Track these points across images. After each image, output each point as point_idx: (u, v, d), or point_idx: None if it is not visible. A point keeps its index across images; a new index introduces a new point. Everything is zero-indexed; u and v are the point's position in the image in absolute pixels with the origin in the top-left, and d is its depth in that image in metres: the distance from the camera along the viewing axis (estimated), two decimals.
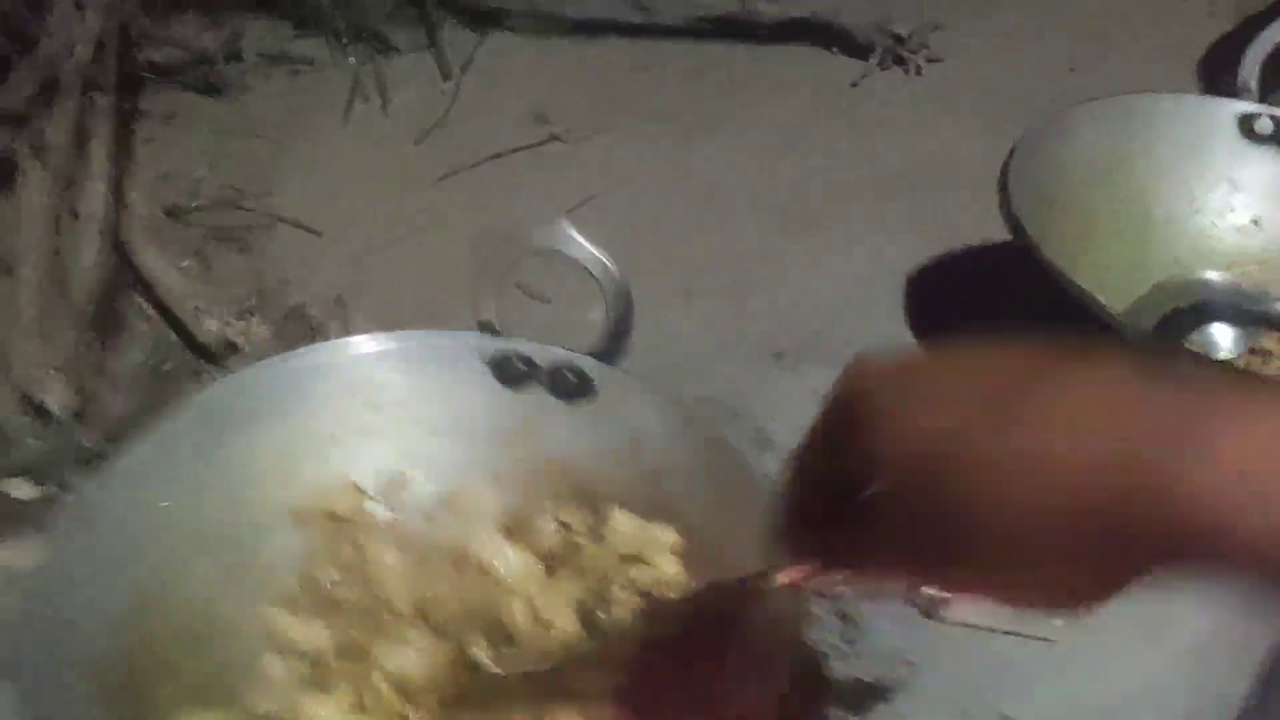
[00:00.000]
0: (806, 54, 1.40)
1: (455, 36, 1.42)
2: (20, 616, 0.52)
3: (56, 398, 0.92)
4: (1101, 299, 0.73)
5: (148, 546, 0.58)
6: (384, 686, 0.54)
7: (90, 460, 0.92)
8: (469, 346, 0.68)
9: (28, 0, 1.21)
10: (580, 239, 0.66)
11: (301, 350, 0.66)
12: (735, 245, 1.09)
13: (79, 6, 1.22)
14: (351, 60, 1.38)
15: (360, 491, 0.65)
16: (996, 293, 0.95)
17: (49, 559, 0.54)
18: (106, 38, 1.18)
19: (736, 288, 1.03)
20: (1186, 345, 0.69)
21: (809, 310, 0.97)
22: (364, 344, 0.67)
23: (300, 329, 1.03)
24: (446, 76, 1.36)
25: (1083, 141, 0.90)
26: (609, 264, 0.66)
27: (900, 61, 1.38)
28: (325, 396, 0.65)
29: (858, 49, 1.39)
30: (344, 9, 1.42)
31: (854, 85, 1.35)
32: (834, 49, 1.40)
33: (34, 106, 1.17)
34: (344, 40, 1.41)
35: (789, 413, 0.85)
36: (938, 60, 1.38)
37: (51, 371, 0.93)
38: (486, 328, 0.68)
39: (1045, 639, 0.67)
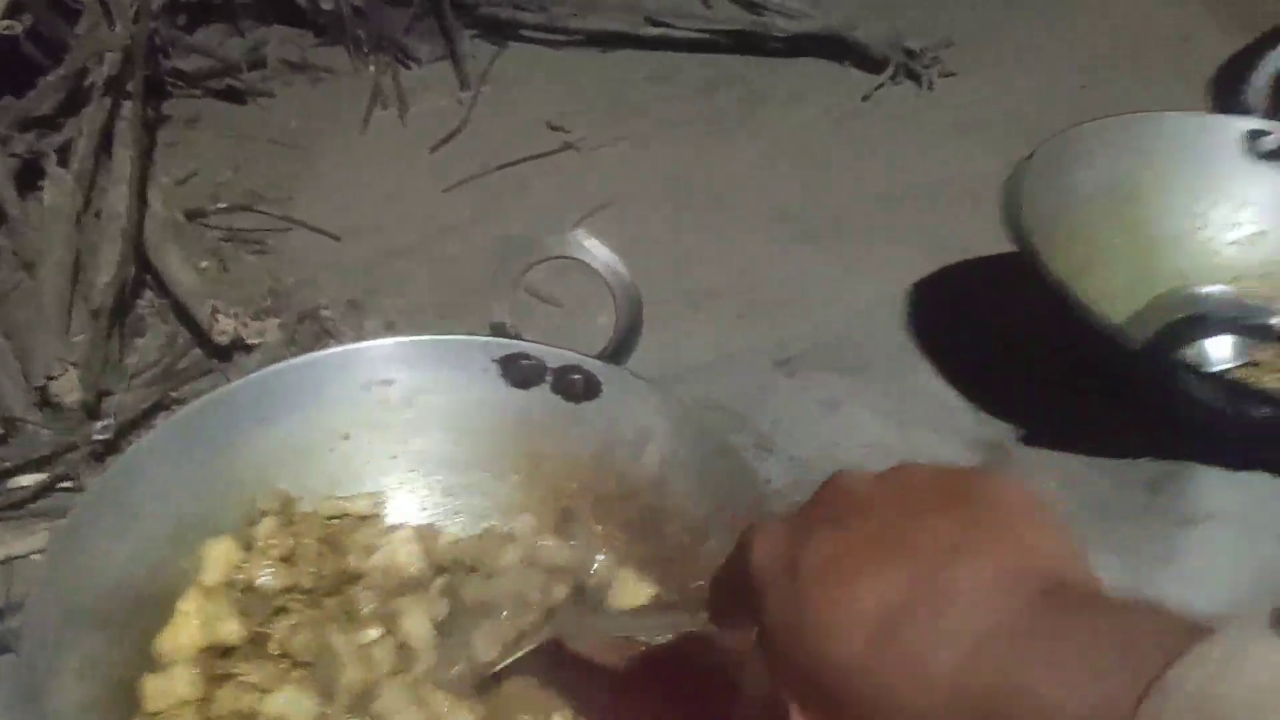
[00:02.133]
0: (820, 67, 1.42)
1: (473, 48, 1.45)
2: (38, 588, 0.54)
3: (70, 392, 0.94)
4: (1104, 310, 0.74)
5: (158, 527, 0.60)
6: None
7: (100, 453, 0.94)
8: (479, 348, 0.69)
9: (58, 8, 1.24)
10: (593, 245, 0.68)
11: (319, 352, 0.67)
12: (745, 254, 1.10)
13: (107, 15, 1.25)
14: (371, 69, 1.41)
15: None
16: (1001, 305, 0.96)
17: (66, 534, 0.56)
18: (134, 46, 1.21)
19: (744, 296, 1.04)
20: (1182, 356, 0.70)
21: (816, 320, 0.99)
22: (378, 346, 0.68)
23: (314, 331, 1.05)
24: (464, 86, 1.38)
25: (1089, 159, 0.91)
26: (621, 269, 0.67)
27: (913, 76, 1.39)
28: (340, 395, 0.67)
29: (871, 63, 1.40)
30: (364, 20, 1.45)
31: (866, 99, 1.36)
32: (847, 63, 1.42)
33: (61, 111, 1.20)
34: (364, 50, 1.43)
35: (793, 420, 0.87)
36: (951, 75, 1.39)
37: (67, 367, 0.95)
38: (499, 330, 0.70)
39: None
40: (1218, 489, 0.76)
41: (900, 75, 1.39)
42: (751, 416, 0.83)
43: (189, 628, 0.58)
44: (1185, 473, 0.77)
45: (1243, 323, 0.71)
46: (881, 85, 1.38)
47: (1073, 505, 0.77)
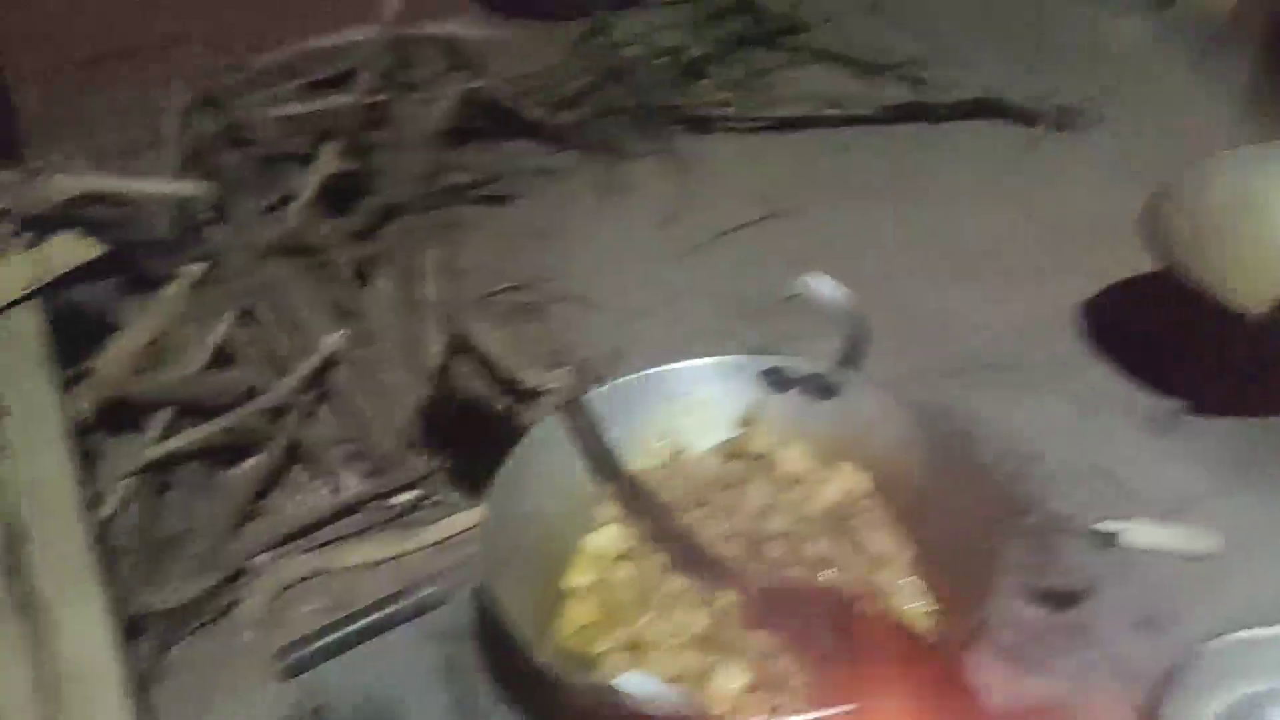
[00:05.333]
0: (981, 127, 1.64)
1: (682, 141, 1.73)
2: (482, 543, 0.82)
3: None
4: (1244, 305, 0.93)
5: (551, 499, 0.87)
6: None
7: (453, 478, 1.24)
8: (748, 365, 0.95)
9: (363, 154, 1.58)
10: (823, 282, 0.92)
11: (638, 374, 0.94)
12: (927, 290, 1.32)
13: (402, 150, 1.60)
14: (600, 167, 1.71)
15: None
16: (1154, 314, 1.15)
17: (494, 504, 0.83)
18: (426, 170, 1.55)
19: (928, 323, 1.26)
20: None
21: (993, 337, 1.20)
22: (680, 367, 0.94)
23: (590, 377, 1.33)
24: (679, 173, 1.67)
25: (1222, 182, 1.11)
26: (844, 299, 0.92)
27: (1066, 127, 1.59)
28: (654, 405, 0.93)
29: (1027, 118, 1.61)
30: (590, 127, 1.76)
31: (1025, 151, 1.57)
32: (1006, 121, 1.63)
33: (378, 224, 1.54)
34: (593, 152, 1.74)
35: (988, 412, 1.08)
36: (1101, 123, 1.59)
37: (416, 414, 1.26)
38: (755, 351, 0.95)
39: (1207, 555, 0.86)
40: None
41: (1053, 127, 1.59)
42: (954, 410, 1.05)
43: (586, 571, 0.84)
44: None
45: None
46: (1038, 138, 1.59)
47: (1226, 457, 0.96)
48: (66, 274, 1.11)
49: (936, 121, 1.65)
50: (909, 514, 0.86)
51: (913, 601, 0.81)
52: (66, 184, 1.10)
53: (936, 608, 0.80)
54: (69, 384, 1.17)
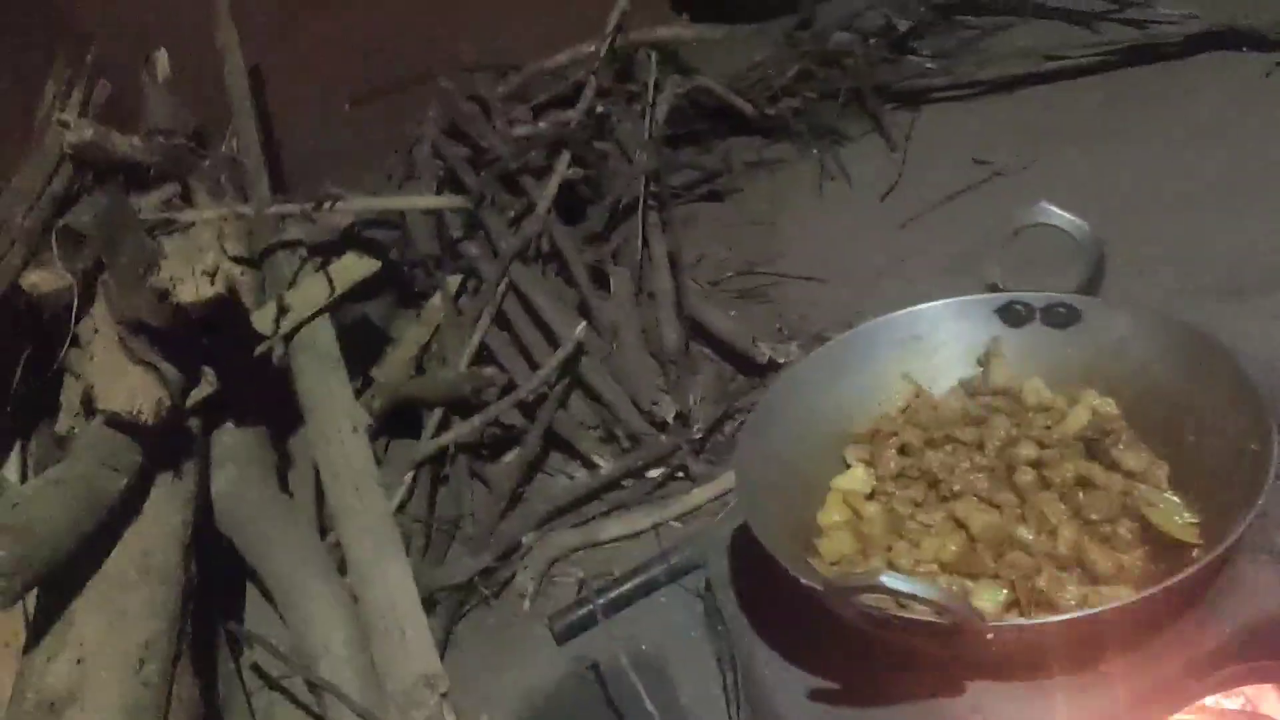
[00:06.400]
0: (1215, 59, 1.56)
1: (894, 117, 1.74)
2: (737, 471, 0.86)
3: (666, 411, 1.32)
4: None
5: (805, 430, 0.90)
6: None
7: (697, 450, 1.30)
8: (981, 303, 0.95)
9: (591, 163, 1.68)
10: (1059, 211, 0.92)
11: (877, 319, 0.95)
12: (1168, 221, 1.27)
13: (624, 155, 1.69)
14: (815, 152, 1.74)
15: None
16: None
17: (749, 434, 0.87)
18: (650, 173, 1.63)
19: (1174, 251, 1.21)
20: None
21: (1245, 261, 1.14)
22: (916, 310, 0.95)
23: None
24: (894, 148, 1.68)
25: None
26: (1083, 224, 0.91)
27: None
28: (893, 349, 0.95)
29: (1266, 44, 1.52)
30: (803, 116, 1.80)
31: (1267, 75, 1.48)
32: (1243, 49, 1.54)
33: (608, 227, 1.64)
34: (806, 140, 1.77)
35: (1244, 336, 1.03)
36: None
37: (661, 394, 1.33)
38: (992, 287, 0.95)
39: None
40: None
41: None
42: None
43: (838, 509, 0.87)
44: None
45: None
46: (1276, 63, 1.49)
47: None
48: (350, 290, 1.25)
49: (1164, 60, 1.58)
50: (1163, 431, 0.84)
51: (1173, 515, 0.79)
52: (345, 210, 1.25)
53: (1198, 520, 0.78)
54: (359, 390, 1.32)
